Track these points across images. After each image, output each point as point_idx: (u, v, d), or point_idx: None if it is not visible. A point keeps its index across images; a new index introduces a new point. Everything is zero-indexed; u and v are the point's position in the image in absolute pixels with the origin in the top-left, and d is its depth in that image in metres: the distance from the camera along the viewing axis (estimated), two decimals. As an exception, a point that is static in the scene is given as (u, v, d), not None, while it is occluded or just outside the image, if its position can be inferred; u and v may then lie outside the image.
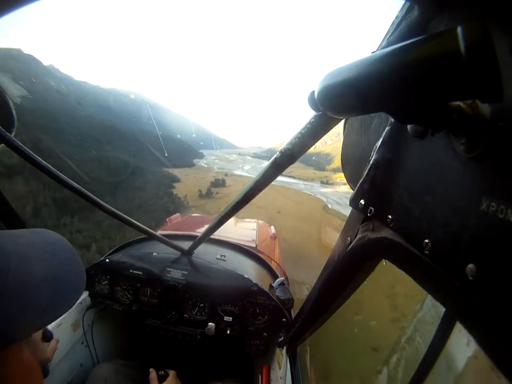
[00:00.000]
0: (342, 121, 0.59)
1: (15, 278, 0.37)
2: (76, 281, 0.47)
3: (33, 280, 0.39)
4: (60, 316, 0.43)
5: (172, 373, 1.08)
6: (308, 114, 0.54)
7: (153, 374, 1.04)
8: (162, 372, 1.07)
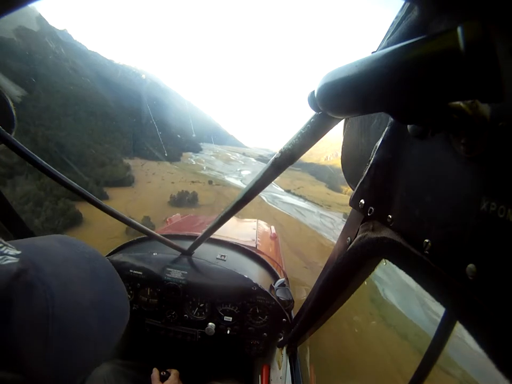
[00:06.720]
0: (342, 122, 0.59)
1: (61, 309, 0.28)
2: (121, 304, 0.39)
3: (81, 308, 0.31)
4: (112, 347, 0.35)
5: (173, 372, 1.08)
6: (307, 115, 0.53)
7: (155, 372, 1.04)
8: (164, 373, 1.06)
